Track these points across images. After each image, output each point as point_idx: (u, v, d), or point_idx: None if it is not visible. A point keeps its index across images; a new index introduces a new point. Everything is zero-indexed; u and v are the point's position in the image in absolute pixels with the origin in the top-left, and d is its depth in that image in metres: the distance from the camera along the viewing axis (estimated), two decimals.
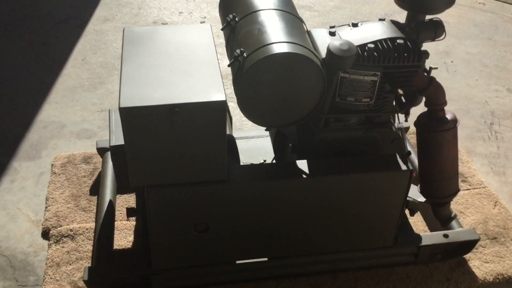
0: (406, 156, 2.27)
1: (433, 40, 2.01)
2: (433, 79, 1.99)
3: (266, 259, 2.21)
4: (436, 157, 2.07)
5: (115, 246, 2.38)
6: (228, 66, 1.83)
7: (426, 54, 2.04)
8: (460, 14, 4.57)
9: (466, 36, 4.27)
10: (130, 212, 2.17)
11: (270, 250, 2.17)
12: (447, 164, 2.08)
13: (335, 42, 1.79)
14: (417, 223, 2.59)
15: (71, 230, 2.45)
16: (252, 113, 1.83)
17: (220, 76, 1.79)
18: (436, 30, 1.99)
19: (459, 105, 3.47)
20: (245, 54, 1.76)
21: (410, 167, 2.02)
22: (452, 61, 3.94)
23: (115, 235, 2.42)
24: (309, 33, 2.00)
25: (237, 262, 2.19)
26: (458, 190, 2.17)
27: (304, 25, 2.00)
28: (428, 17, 2.06)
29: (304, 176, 1.95)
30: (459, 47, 4.13)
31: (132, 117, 1.68)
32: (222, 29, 2.02)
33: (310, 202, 2.01)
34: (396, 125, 2.30)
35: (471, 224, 2.57)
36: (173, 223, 1.97)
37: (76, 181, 2.71)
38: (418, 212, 2.65)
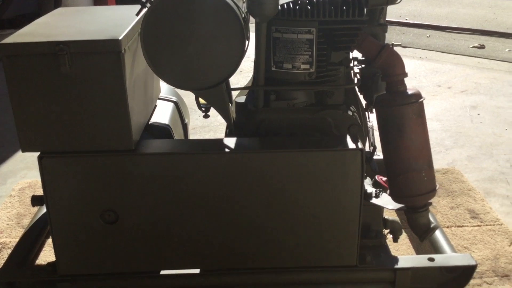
0: (370, 152, 1.89)
1: (386, 4, 1.72)
2: (386, 45, 1.68)
3: (197, 271, 1.81)
4: (397, 141, 1.68)
5: (42, 262, 2.07)
6: (136, 15, 1.63)
7: (383, 27, 1.77)
8: (495, 76, 4.21)
9: (499, 94, 3.87)
10: (35, 200, 1.89)
11: (202, 259, 1.77)
12: (412, 151, 1.67)
13: None
14: None
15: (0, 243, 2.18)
16: (161, 68, 1.57)
17: (130, 27, 1.59)
18: None
19: (481, 151, 3.01)
20: None
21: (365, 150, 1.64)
22: (478, 114, 3.53)
23: (46, 251, 2.13)
24: None
25: (162, 273, 1.81)
26: (435, 188, 1.72)
27: None
28: None
29: (228, 151, 1.63)
30: (489, 102, 3.72)
31: (13, 58, 1.48)
32: None
33: (242, 189, 1.65)
34: (369, 124, 1.96)
35: (476, 259, 2.03)
36: (75, 208, 1.66)
37: (29, 202, 2.48)
38: (410, 245, 2.17)
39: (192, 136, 2.92)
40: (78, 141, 1.58)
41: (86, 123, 1.56)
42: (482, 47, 5.12)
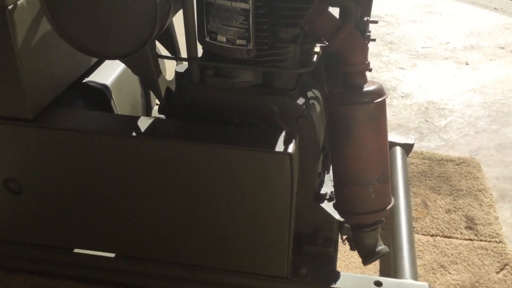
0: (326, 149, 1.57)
1: None
2: (346, 25, 1.32)
3: (113, 255, 1.65)
4: (344, 147, 1.36)
5: None
6: None
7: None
8: None
9: None
10: None
11: (114, 244, 1.60)
12: (359, 161, 1.35)
13: None
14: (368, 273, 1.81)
15: None
16: (67, 32, 1.33)
17: None
18: None
19: None
20: None
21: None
22: None
23: None
24: None
25: (76, 251, 1.66)
26: (385, 208, 1.40)
27: None
28: None
29: (135, 134, 1.38)
30: None
31: None
32: None
33: (152, 178, 1.42)
34: None
35: (448, 285, 1.72)
36: None
37: None
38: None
39: None
40: None
41: None
42: None
